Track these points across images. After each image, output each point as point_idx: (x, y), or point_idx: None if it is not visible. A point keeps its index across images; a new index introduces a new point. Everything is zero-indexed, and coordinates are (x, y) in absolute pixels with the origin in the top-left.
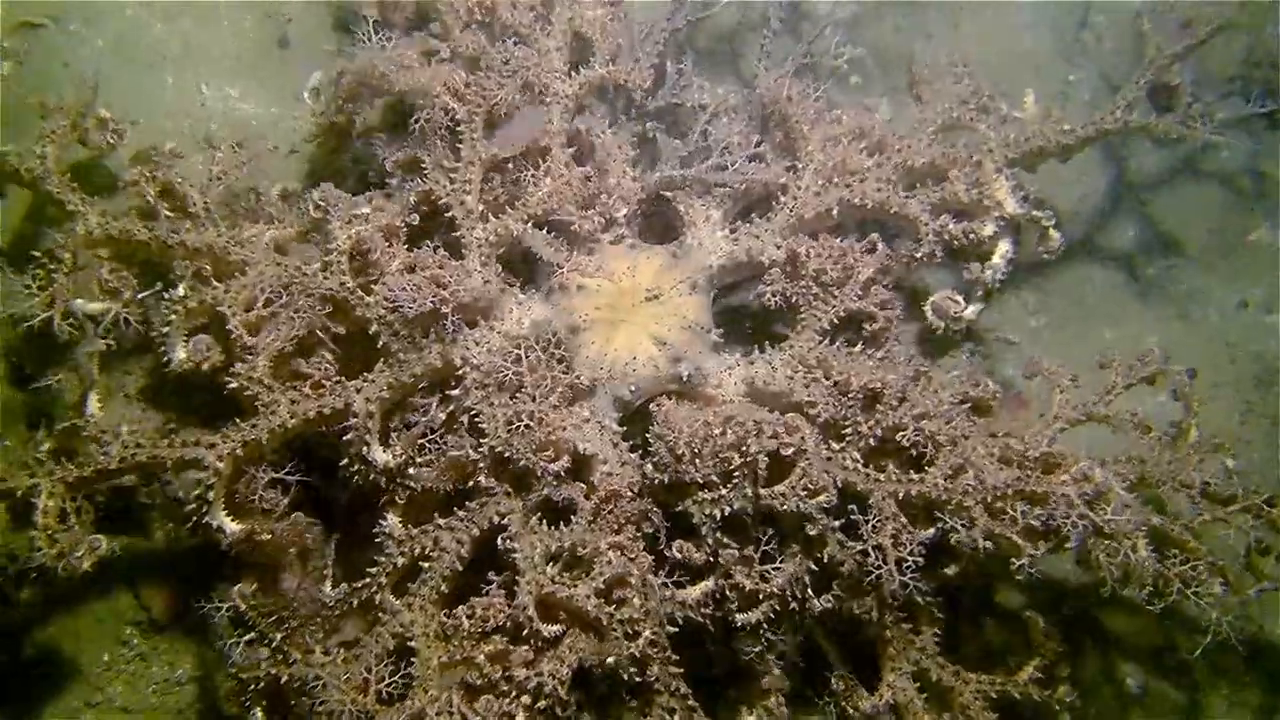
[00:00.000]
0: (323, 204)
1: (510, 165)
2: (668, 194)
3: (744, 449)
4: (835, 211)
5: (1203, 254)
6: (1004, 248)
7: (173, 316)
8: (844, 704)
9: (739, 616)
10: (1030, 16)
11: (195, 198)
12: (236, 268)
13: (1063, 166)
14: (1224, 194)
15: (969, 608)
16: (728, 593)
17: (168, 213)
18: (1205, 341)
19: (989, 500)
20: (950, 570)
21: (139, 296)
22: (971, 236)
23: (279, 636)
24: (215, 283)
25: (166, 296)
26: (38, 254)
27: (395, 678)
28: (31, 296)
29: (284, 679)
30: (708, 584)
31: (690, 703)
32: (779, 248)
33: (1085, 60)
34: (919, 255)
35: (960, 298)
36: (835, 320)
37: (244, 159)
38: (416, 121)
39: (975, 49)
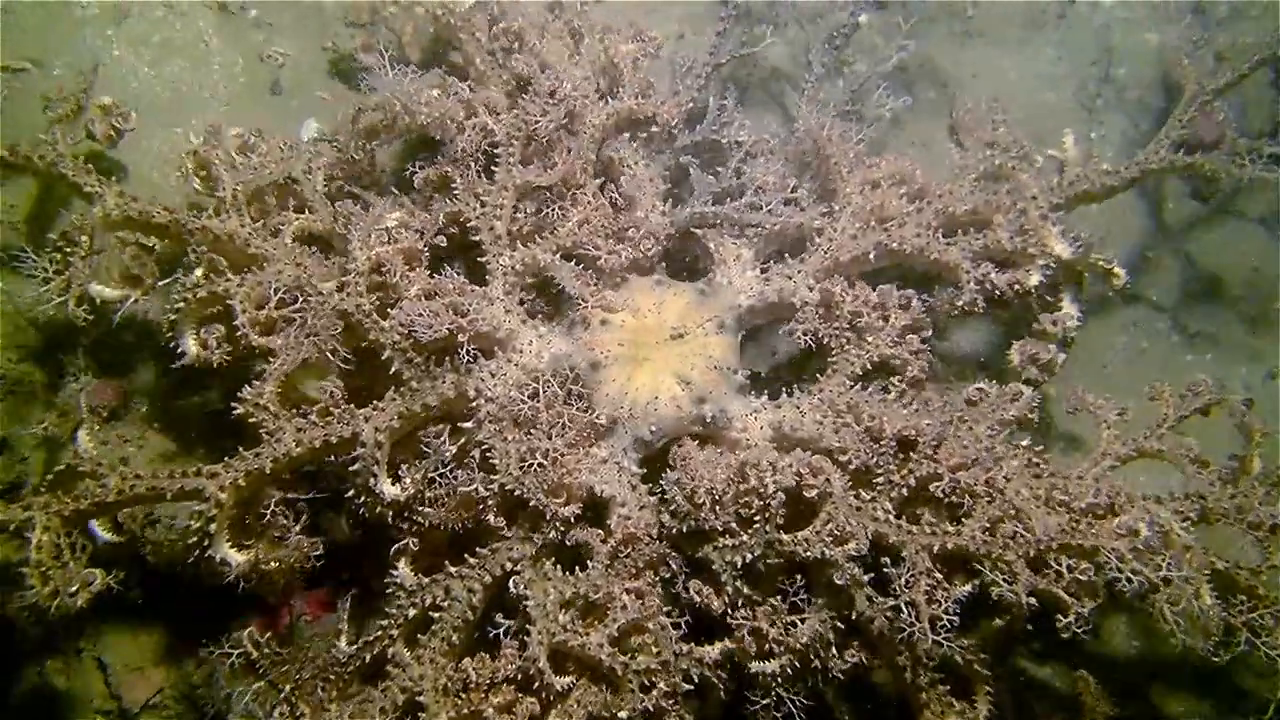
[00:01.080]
0: (343, 216)
1: (542, 194)
2: (697, 231)
3: (763, 489)
4: (872, 256)
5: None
6: (1068, 301)
7: (181, 304)
8: None
9: (754, 665)
10: (1051, 69)
11: (227, 181)
12: (254, 262)
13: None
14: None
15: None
16: (746, 644)
17: (198, 188)
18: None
19: (1032, 554)
20: (997, 623)
21: (159, 284)
22: (1016, 287)
23: (289, 687)
24: (230, 275)
25: (180, 282)
26: (54, 238)
27: None
28: (46, 281)
29: None
30: (726, 644)
31: None
32: (812, 289)
33: (1109, 113)
34: (960, 304)
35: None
36: (868, 366)
37: (286, 153)
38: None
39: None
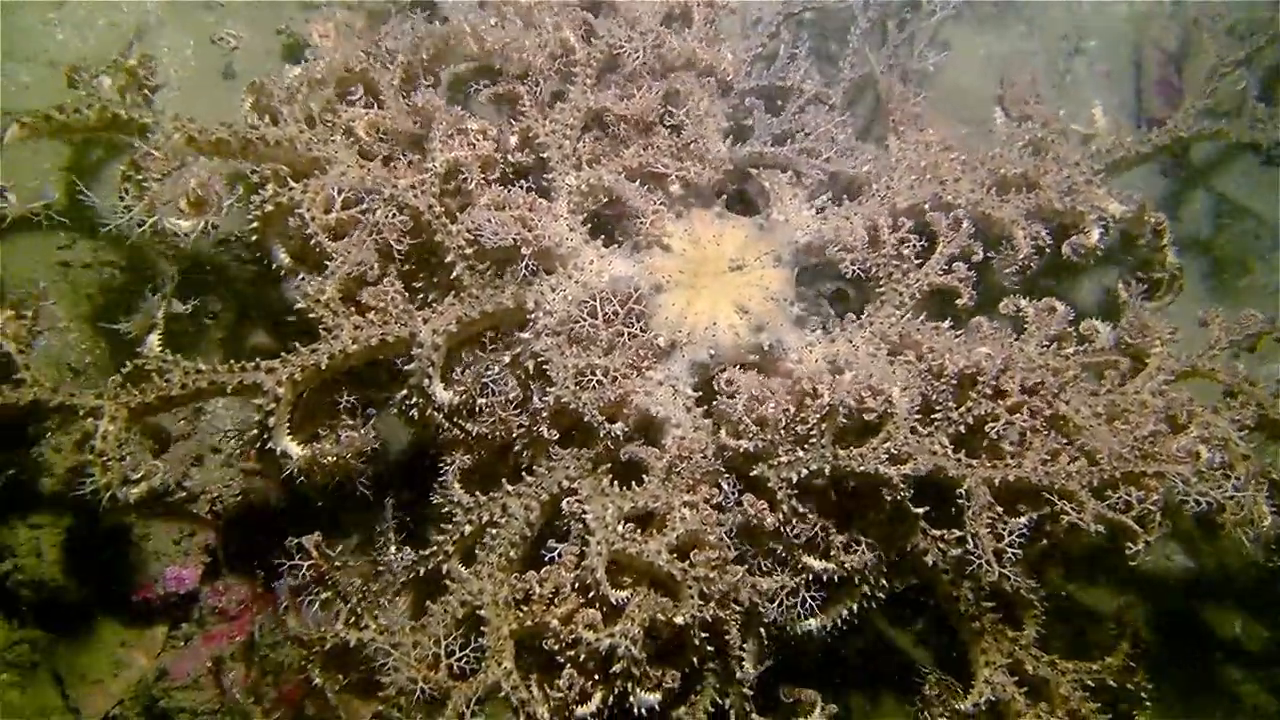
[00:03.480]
0: (425, 112)
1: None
2: (753, 171)
3: (822, 404)
4: (928, 206)
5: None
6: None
7: (256, 222)
8: (937, 708)
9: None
10: (1022, 44)
11: (293, 78)
12: (317, 166)
13: None
14: None
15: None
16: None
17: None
18: None
19: (1095, 484)
20: (1040, 545)
21: (226, 205)
22: (1080, 249)
23: (356, 599)
24: (293, 183)
25: (251, 200)
26: (123, 169)
27: (466, 650)
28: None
29: (353, 644)
30: (784, 578)
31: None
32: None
33: (1078, 88)
34: (1019, 259)
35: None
36: (917, 295)
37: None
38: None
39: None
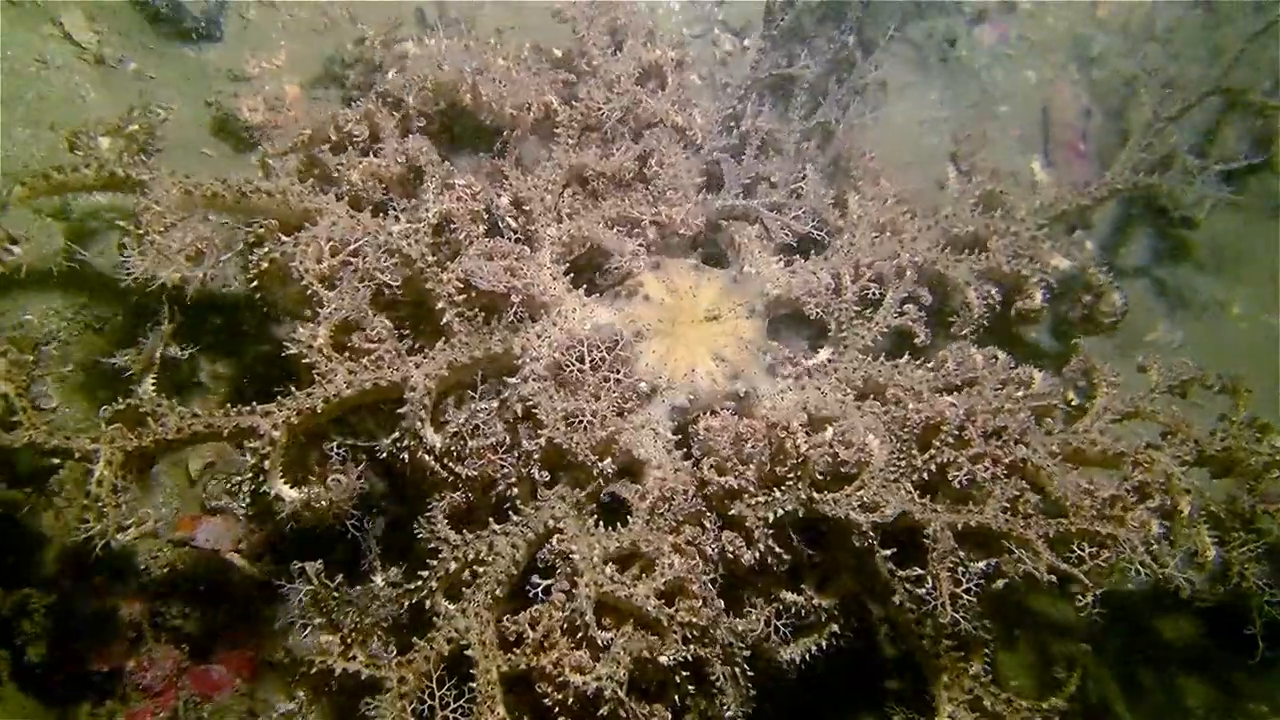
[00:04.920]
0: (416, 163)
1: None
2: (724, 223)
3: (797, 452)
4: (888, 263)
5: None
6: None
7: (255, 280)
8: None
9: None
10: (934, 113)
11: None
12: (309, 218)
13: None
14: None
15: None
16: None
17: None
18: None
19: (1052, 534)
20: (998, 585)
21: (222, 259)
22: (1027, 312)
23: (348, 629)
24: (283, 237)
25: (251, 258)
26: (122, 223)
27: (450, 688)
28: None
29: (338, 672)
30: (765, 612)
31: None
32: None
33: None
34: (974, 319)
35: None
36: (879, 337)
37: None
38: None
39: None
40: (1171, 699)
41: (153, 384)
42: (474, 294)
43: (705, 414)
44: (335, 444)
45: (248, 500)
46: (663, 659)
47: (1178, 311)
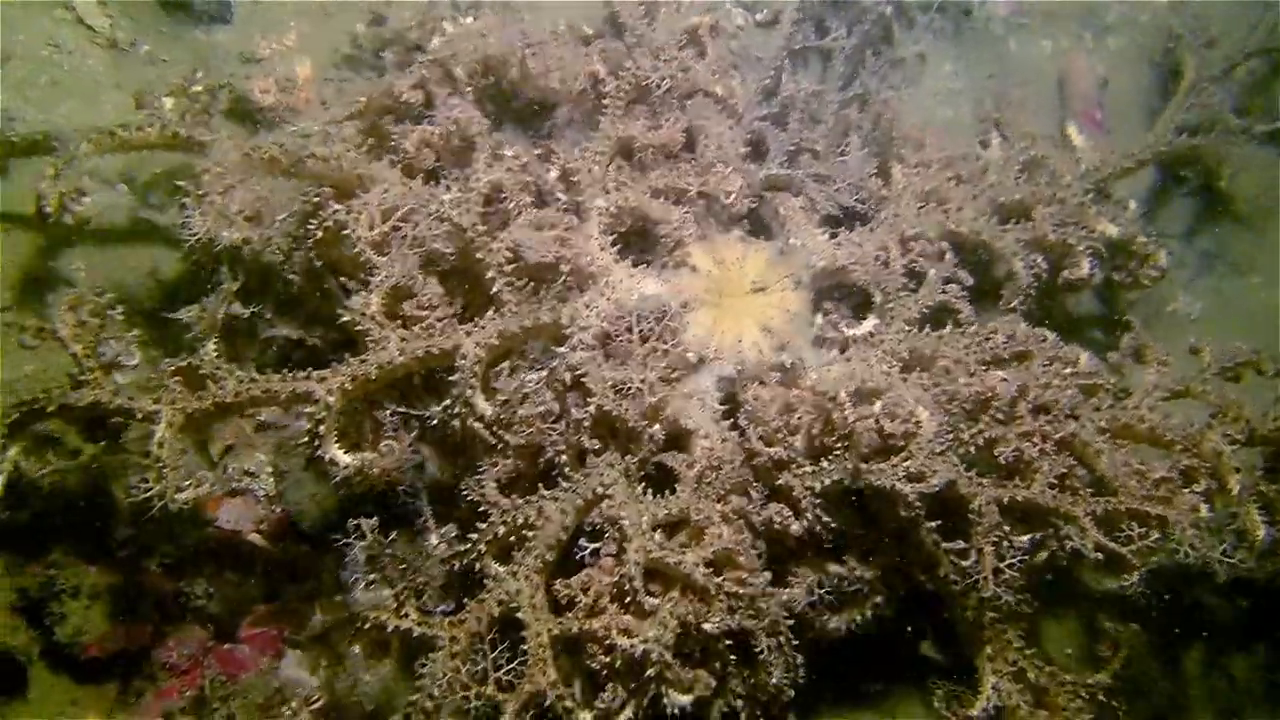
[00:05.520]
0: (467, 133)
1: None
2: (768, 194)
3: (845, 424)
4: (933, 234)
5: None
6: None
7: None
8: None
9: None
10: (949, 84)
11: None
12: (363, 184)
13: None
14: None
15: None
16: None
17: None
18: None
19: (1099, 513)
20: (1040, 558)
21: (279, 219)
22: (1076, 277)
23: (401, 586)
24: (336, 204)
25: (309, 224)
26: (181, 184)
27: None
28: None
29: (390, 628)
30: (811, 580)
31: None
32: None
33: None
34: (1021, 289)
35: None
36: (925, 310)
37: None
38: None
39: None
40: (1212, 674)
41: (215, 346)
42: (523, 264)
43: (753, 384)
44: (388, 411)
45: (270, 483)
46: (708, 626)
47: (1198, 280)
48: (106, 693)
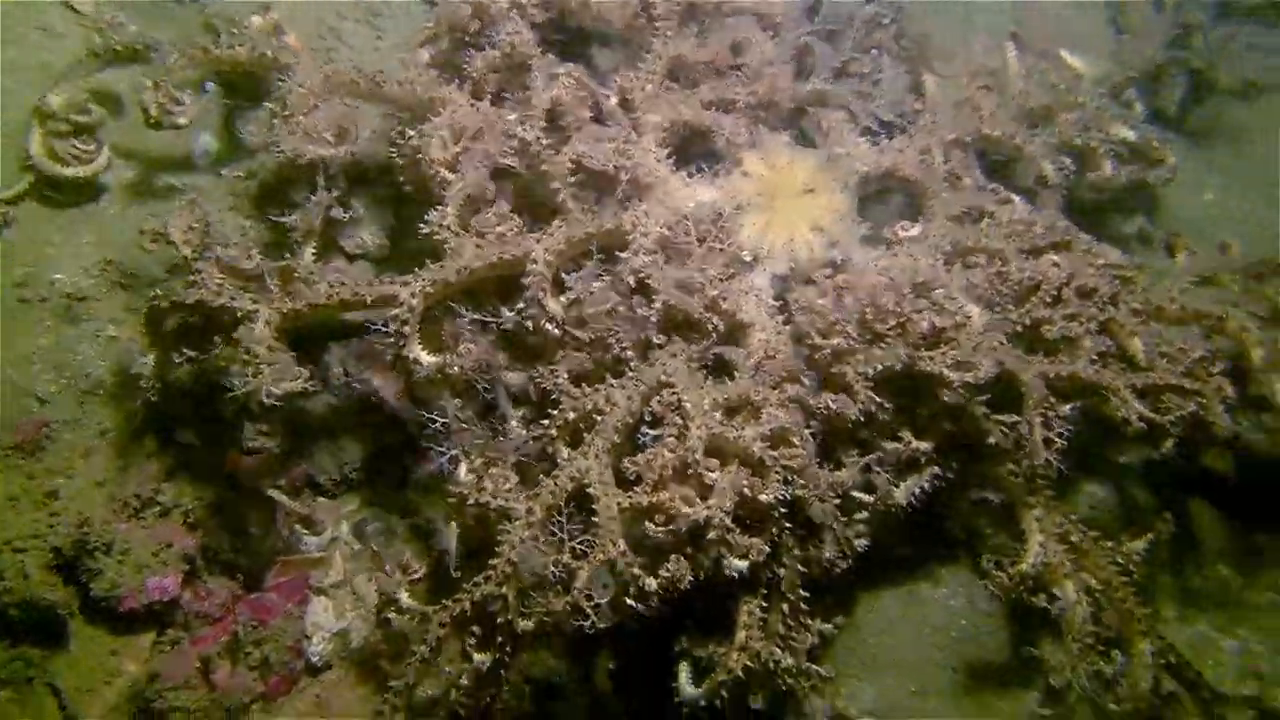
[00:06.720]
0: (522, 55)
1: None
2: (811, 110)
3: (901, 312)
4: (969, 139)
5: None
6: None
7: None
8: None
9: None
10: None
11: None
12: (433, 107)
13: None
14: None
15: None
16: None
17: None
18: None
19: (1139, 386)
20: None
21: (364, 137)
22: (1102, 178)
23: (478, 460)
24: (409, 132)
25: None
26: (269, 104)
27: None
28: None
29: (470, 500)
30: (861, 463)
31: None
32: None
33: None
34: (1054, 184)
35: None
36: (963, 209)
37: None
38: None
39: None
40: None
41: (313, 252)
42: (585, 175)
43: (806, 280)
44: (466, 319)
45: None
46: (763, 497)
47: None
48: (143, 643)
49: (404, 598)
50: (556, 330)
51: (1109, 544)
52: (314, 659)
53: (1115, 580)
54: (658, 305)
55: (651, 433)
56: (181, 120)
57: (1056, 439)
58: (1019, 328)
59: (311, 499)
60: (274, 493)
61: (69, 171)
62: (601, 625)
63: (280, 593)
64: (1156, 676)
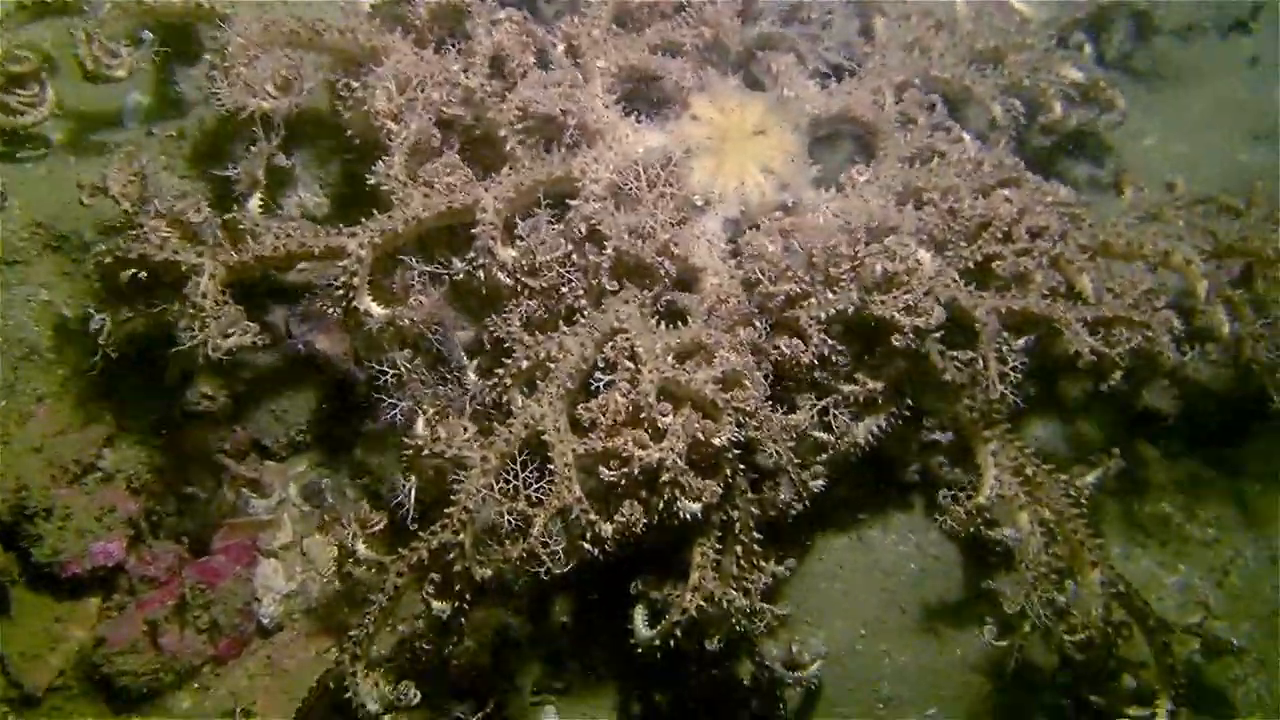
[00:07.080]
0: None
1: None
2: (760, 53)
3: (854, 255)
4: (918, 81)
5: None
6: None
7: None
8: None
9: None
10: None
11: None
12: (375, 56)
13: None
14: None
15: None
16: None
17: None
18: None
19: (1089, 319)
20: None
21: (307, 89)
22: (1052, 120)
23: (431, 411)
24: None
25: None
26: (208, 57)
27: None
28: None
29: (425, 451)
30: (818, 405)
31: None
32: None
33: None
34: (1003, 126)
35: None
36: (915, 151)
37: None
38: None
39: None
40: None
41: (258, 204)
42: (532, 121)
43: (757, 223)
44: (415, 271)
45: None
46: (716, 440)
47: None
48: (89, 608)
49: (361, 548)
50: (508, 279)
51: (1062, 477)
52: (265, 621)
53: (1068, 511)
54: (609, 251)
55: (605, 379)
56: (120, 73)
57: (1011, 373)
58: (971, 264)
59: (259, 463)
60: (220, 456)
61: (27, 119)
62: (558, 571)
63: (228, 555)
64: (1107, 605)
